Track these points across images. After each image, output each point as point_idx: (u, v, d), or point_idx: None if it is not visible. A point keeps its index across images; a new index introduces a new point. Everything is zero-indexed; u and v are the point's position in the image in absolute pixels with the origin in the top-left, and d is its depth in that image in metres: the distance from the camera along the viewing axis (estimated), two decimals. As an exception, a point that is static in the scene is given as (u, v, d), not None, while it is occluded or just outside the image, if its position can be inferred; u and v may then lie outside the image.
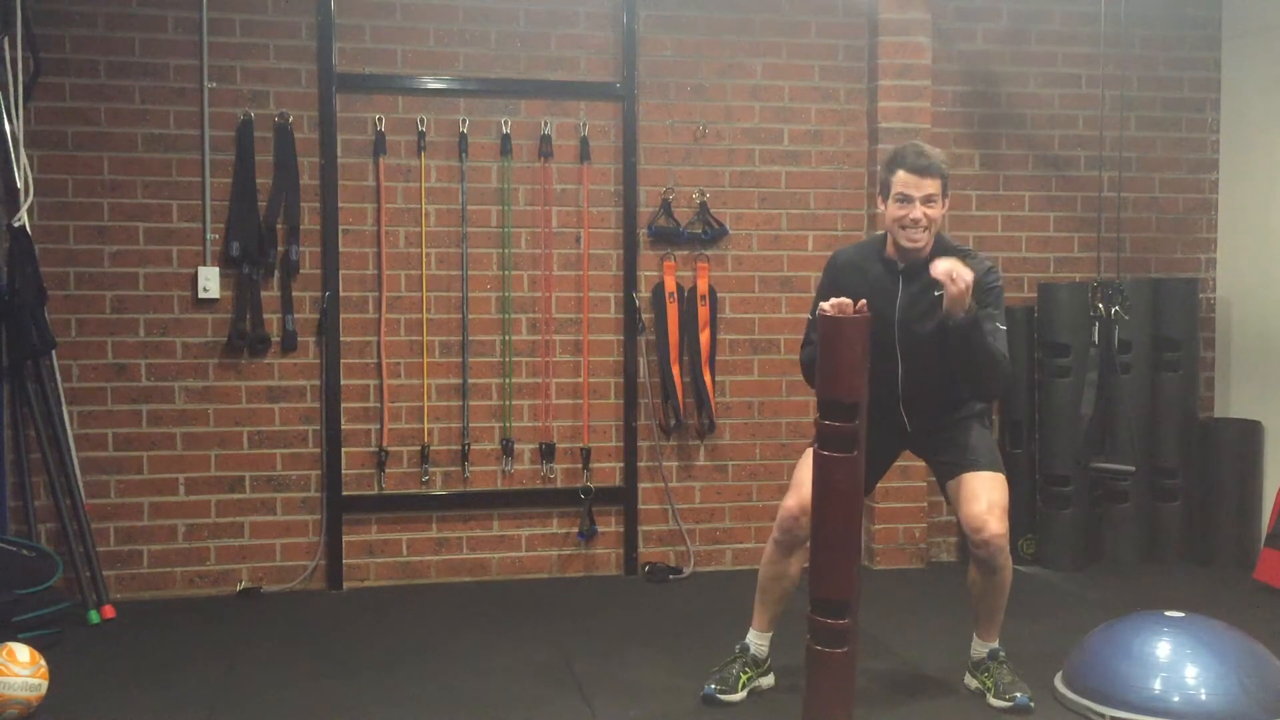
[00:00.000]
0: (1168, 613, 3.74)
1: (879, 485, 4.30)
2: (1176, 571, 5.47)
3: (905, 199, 3.51)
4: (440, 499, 5.22)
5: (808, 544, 3.53)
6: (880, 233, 3.74)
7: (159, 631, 4.56)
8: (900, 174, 3.52)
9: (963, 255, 3.60)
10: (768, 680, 3.83)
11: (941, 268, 3.40)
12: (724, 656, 3.83)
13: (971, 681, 3.81)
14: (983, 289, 3.53)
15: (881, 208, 3.61)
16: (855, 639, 3.38)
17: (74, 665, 4.06)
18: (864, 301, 3.33)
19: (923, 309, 3.57)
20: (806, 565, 3.56)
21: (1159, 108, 5.81)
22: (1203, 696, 3.45)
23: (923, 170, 3.50)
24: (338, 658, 4.23)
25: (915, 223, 3.51)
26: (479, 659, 4.22)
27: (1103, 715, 3.56)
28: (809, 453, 3.57)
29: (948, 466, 3.66)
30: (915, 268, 3.57)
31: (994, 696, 3.68)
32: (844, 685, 3.39)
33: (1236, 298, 5.78)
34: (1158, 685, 3.50)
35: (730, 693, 3.71)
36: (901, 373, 3.62)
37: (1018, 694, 3.64)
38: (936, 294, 3.51)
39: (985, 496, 3.56)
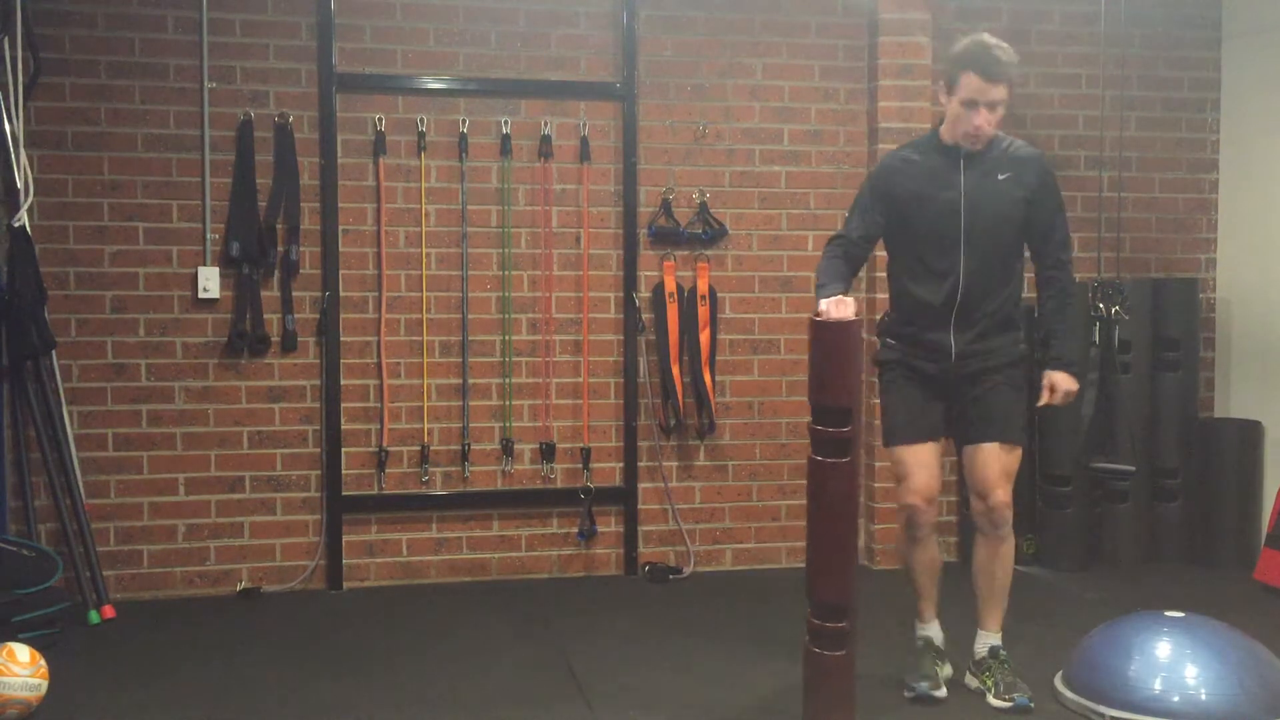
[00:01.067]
0: (1168, 613, 3.74)
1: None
2: (1176, 571, 5.46)
3: (971, 104, 3.50)
4: (440, 499, 5.22)
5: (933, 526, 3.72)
6: (930, 132, 3.74)
7: (159, 631, 4.56)
8: (970, 77, 3.48)
9: (1015, 146, 3.67)
10: (947, 670, 3.82)
11: (1059, 399, 3.70)
12: (910, 654, 3.82)
13: (972, 681, 3.81)
14: (1050, 192, 3.68)
15: (944, 100, 3.58)
16: (854, 642, 3.38)
17: (74, 665, 4.06)
18: (854, 303, 3.33)
19: (989, 191, 3.58)
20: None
21: (1159, 108, 5.81)
22: (1203, 696, 3.45)
23: (994, 76, 3.47)
24: (338, 658, 4.23)
25: (978, 129, 3.51)
26: (479, 659, 4.22)
27: (1103, 715, 3.56)
28: (907, 448, 3.67)
29: (969, 431, 3.69)
30: (976, 153, 3.59)
31: (994, 696, 3.68)
32: (844, 688, 3.39)
33: (1236, 298, 5.78)
34: (1158, 685, 3.50)
35: (939, 688, 3.71)
36: (964, 268, 3.59)
37: (1017, 695, 3.64)
38: (1001, 177, 3.58)
39: (998, 465, 3.62)
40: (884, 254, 3.90)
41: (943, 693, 3.71)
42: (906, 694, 3.72)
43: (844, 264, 3.63)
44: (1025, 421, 3.76)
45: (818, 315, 3.33)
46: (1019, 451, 3.68)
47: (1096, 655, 3.70)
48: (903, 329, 3.74)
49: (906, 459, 3.69)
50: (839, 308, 3.31)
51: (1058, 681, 3.81)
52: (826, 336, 3.30)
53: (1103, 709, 3.56)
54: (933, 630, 3.84)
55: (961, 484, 5.49)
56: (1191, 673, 3.49)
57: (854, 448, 3.28)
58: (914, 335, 3.71)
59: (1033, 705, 3.63)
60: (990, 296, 3.64)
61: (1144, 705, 3.49)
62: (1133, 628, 3.72)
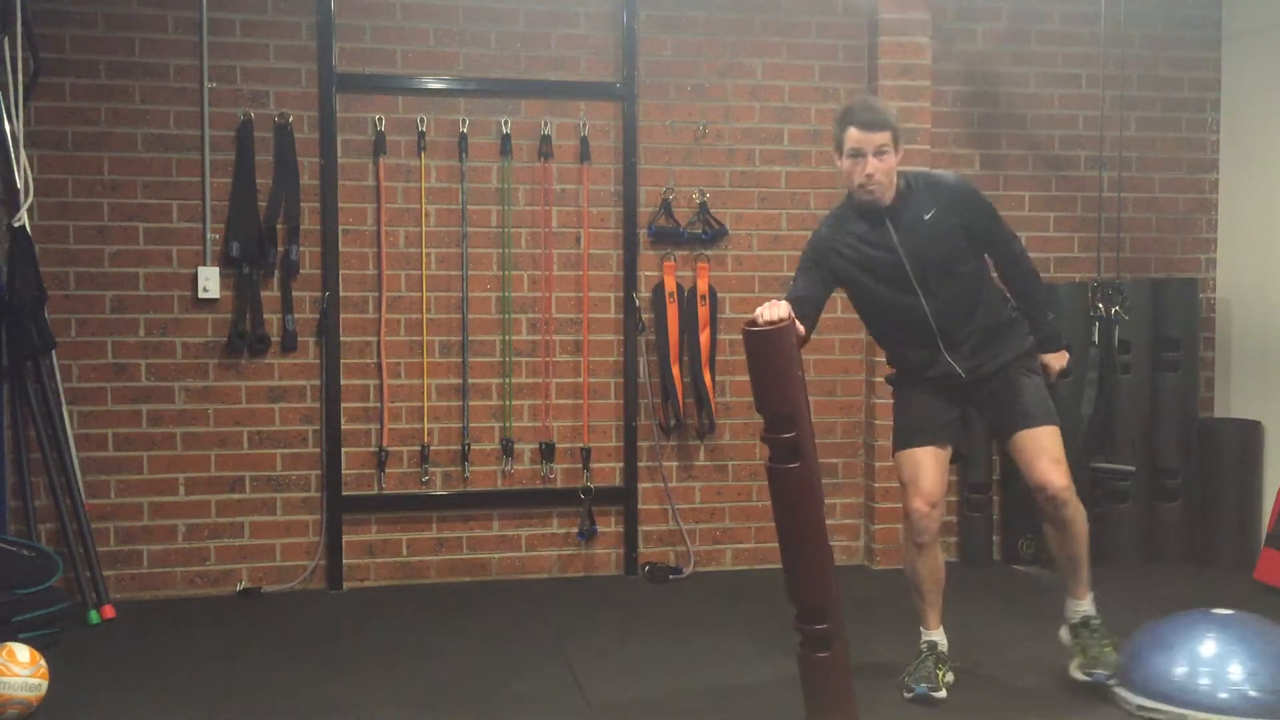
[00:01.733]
0: (1215, 610, 3.77)
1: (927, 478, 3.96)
2: (1176, 571, 5.46)
3: (857, 154, 3.56)
4: (440, 499, 5.22)
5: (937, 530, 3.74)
6: (846, 197, 3.75)
7: (159, 631, 4.56)
8: (851, 130, 3.57)
9: (929, 182, 3.69)
10: (949, 676, 3.81)
11: (1053, 378, 3.77)
12: (914, 657, 3.80)
13: (1066, 637, 3.86)
14: (977, 209, 3.68)
15: (838, 164, 3.64)
16: (841, 641, 3.37)
17: (74, 665, 4.05)
18: (788, 305, 3.35)
19: (923, 235, 3.61)
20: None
21: (1159, 108, 5.81)
22: (1251, 693, 3.47)
23: (870, 125, 3.55)
24: (338, 658, 4.23)
25: (869, 177, 3.56)
26: (479, 659, 4.22)
27: (1167, 713, 3.57)
28: (912, 452, 3.71)
29: (1004, 427, 3.73)
30: (895, 206, 3.63)
31: (1077, 668, 3.72)
32: (839, 688, 3.38)
33: (1236, 298, 5.78)
34: (1205, 681, 3.52)
35: (939, 690, 3.71)
36: (928, 309, 3.64)
37: (1099, 671, 3.67)
38: (927, 217, 3.61)
39: (1044, 453, 3.64)
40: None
41: (942, 694, 3.71)
42: (905, 695, 3.72)
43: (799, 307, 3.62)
44: (1050, 400, 3.76)
45: (750, 323, 3.32)
46: (1055, 431, 3.68)
47: (1144, 652, 3.72)
48: (904, 369, 3.82)
49: (909, 464, 3.72)
50: (771, 309, 3.33)
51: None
52: (758, 344, 3.29)
53: (1153, 704, 3.58)
54: (937, 636, 3.83)
55: (963, 484, 5.52)
56: (1238, 669, 3.52)
57: (803, 453, 3.27)
58: (917, 372, 3.76)
59: (1111, 682, 3.65)
60: (970, 315, 3.68)
61: (1193, 701, 3.51)
62: (1180, 625, 3.76)
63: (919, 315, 3.65)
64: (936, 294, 3.64)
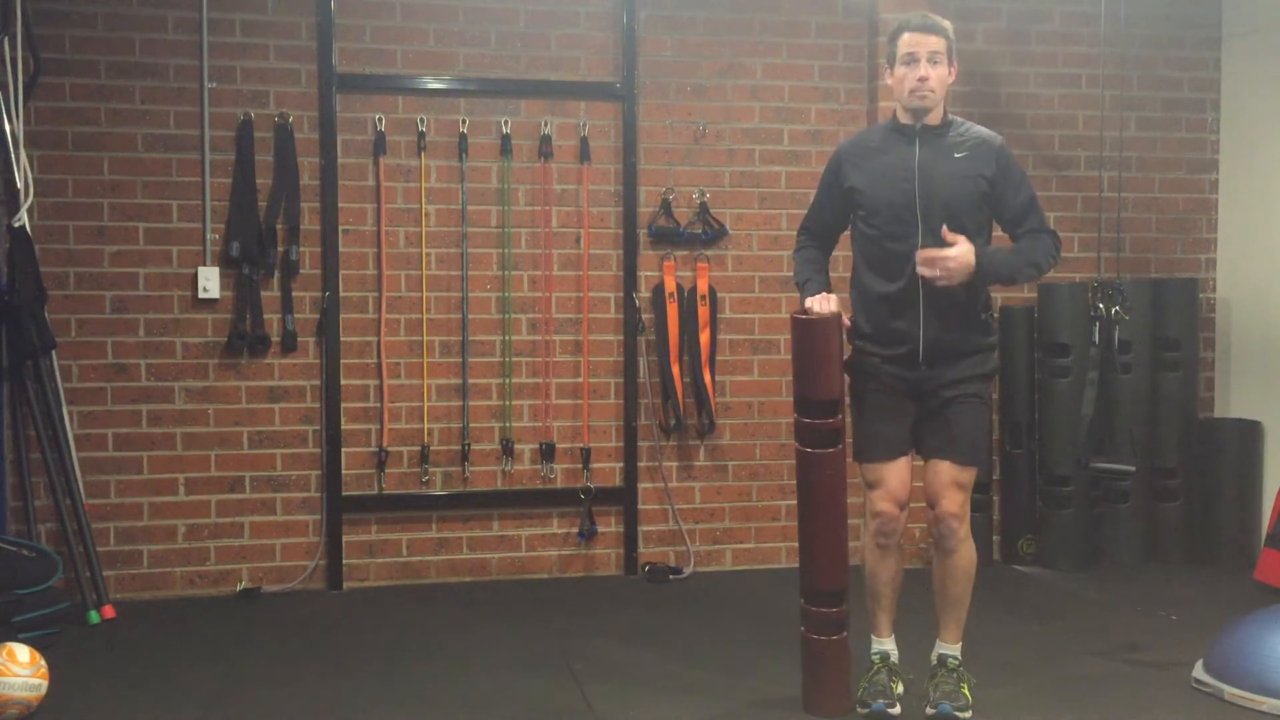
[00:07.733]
0: None
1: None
2: (1176, 571, 5.47)
3: (911, 58, 3.51)
4: (440, 499, 5.22)
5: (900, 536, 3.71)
6: (889, 119, 3.71)
7: (159, 631, 4.56)
8: (905, 36, 3.53)
9: (976, 132, 3.61)
10: (900, 687, 3.74)
11: (923, 266, 3.45)
12: (865, 670, 3.71)
13: (928, 688, 3.71)
14: (1006, 172, 3.58)
15: (889, 80, 3.61)
16: (849, 626, 3.51)
17: (74, 665, 4.06)
18: (838, 300, 3.47)
19: (944, 169, 3.54)
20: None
21: (1159, 108, 5.81)
22: None
23: (926, 29, 3.52)
24: (338, 658, 4.23)
25: (923, 81, 3.50)
26: (479, 658, 4.22)
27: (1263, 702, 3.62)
28: (876, 463, 3.65)
29: (928, 446, 3.64)
30: (930, 129, 3.57)
31: (929, 706, 3.61)
32: (843, 672, 3.53)
33: (1236, 298, 5.78)
34: None
35: (894, 705, 3.63)
36: (922, 246, 3.51)
37: (943, 703, 3.56)
38: (957, 156, 3.55)
39: (946, 477, 3.57)
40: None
41: (897, 710, 3.63)
42: (860, 710, 3.64)
43: (818, 253, 3.76)
44: (987, 441, 3.73)
45: (804, 313, 3.46)
46: (972, 472, 3.62)
47: (1236, 642, 3.77)
48: (867, 324, 3.64)
49: (874, 471, 3.65)
50: (824, 304, 3.48)
51: (1198, 668, 3.86)
52: (808, 332, 3.44)
53: (1245, 693, 3.63)
54: (889, 645, 3.76)
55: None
56: None
57: (842, 437, 3.39)
58: (879, 325, 3.60)
59: (958, 715, 3.55)
60: (957, 288, 3.52)
61: None
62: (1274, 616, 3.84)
63: (911, 254, 3.50)
64: (935, 238, 3.50)
